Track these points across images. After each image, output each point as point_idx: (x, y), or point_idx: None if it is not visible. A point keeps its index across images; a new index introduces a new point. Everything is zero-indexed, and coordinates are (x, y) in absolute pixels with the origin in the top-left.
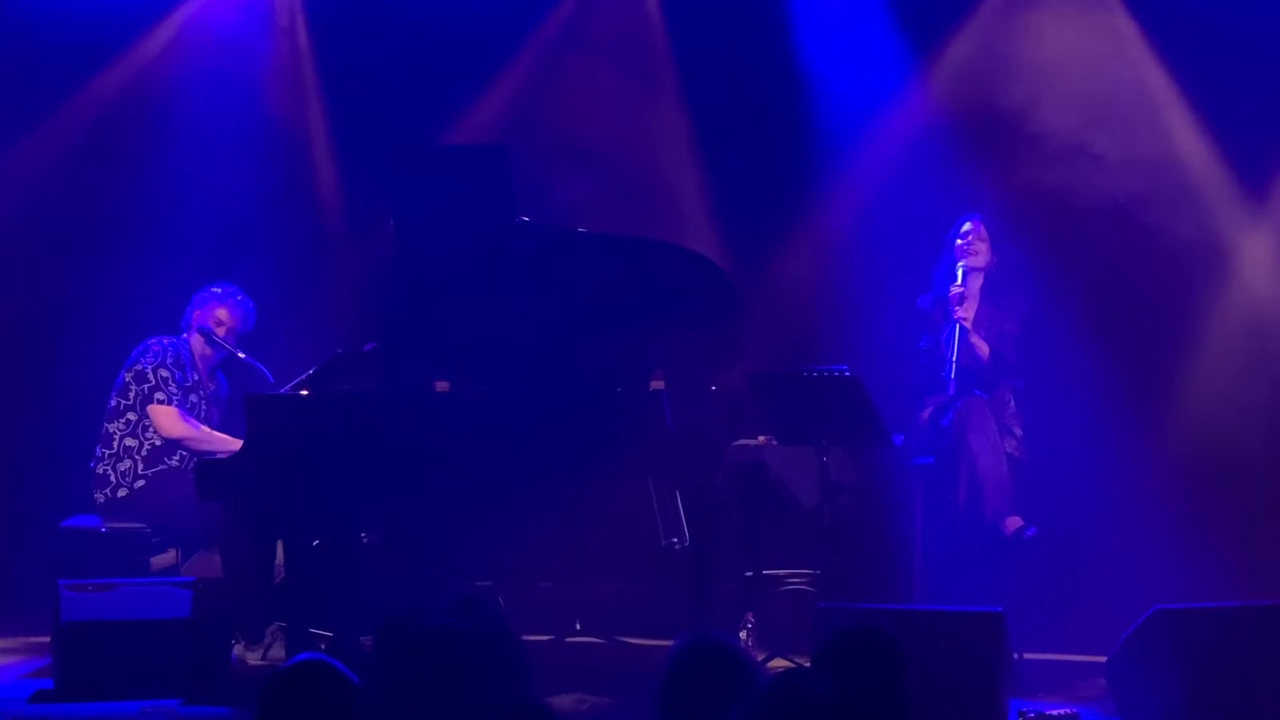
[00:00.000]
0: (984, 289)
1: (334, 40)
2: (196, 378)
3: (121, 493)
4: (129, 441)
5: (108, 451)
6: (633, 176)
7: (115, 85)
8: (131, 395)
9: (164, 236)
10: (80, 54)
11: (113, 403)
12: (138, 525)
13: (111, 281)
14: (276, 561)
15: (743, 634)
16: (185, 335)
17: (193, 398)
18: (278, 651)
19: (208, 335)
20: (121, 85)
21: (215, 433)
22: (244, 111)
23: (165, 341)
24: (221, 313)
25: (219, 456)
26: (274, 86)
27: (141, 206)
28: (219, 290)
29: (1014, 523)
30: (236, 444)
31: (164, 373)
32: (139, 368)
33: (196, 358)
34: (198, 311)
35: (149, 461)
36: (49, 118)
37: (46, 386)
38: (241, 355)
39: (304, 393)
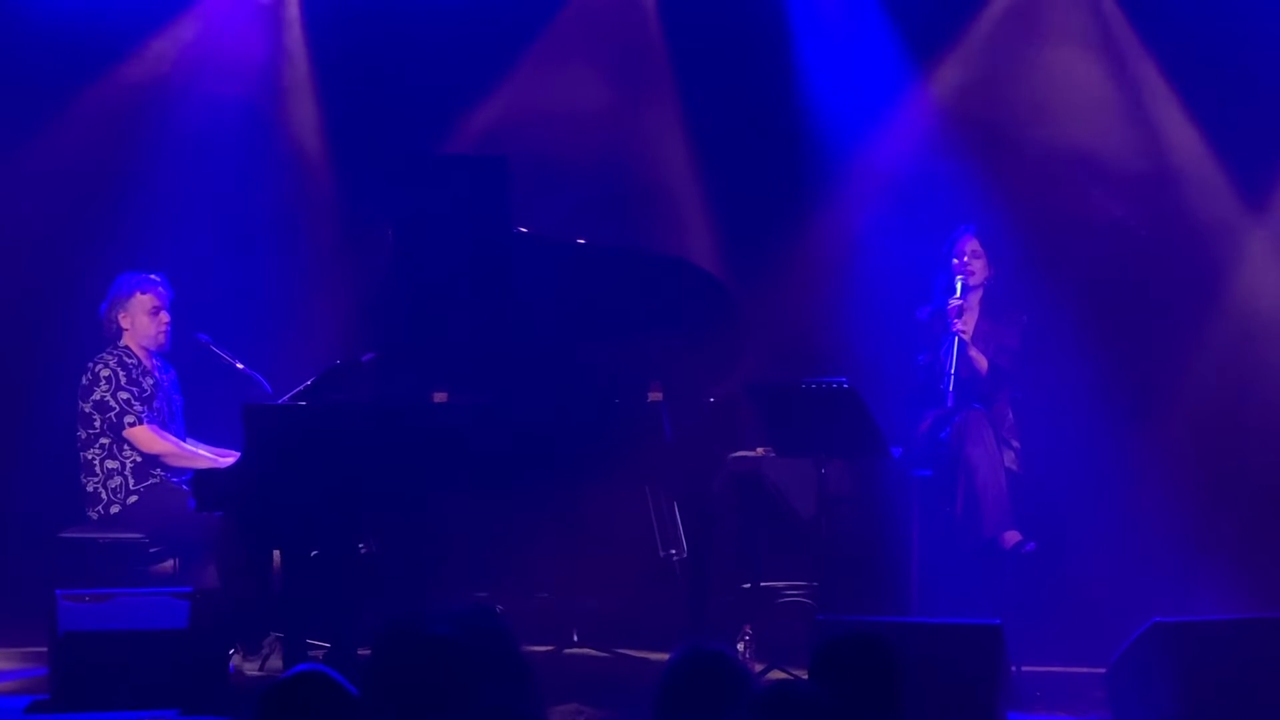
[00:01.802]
0: (983, 302)
1: (333, 50)
2: (151, 382)
3: (114, 509)
4: (110, 464)
5: (92, 478)
6: (632, 188)
7: (112, 95)
8: (98, 424)
9: (163, 246)
10: (76, 63)
11: (80, 434)
12: (136, 535)
13: (108, 290)
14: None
15: (740, 646)
16: (123, 342)
17: (155, 404)
18: (275, 662)
19: (207, 345)
20: (119, 94)
21: (191, 448)
22: (242, 121)
23: (112, 363)
24: (153, 301)
25: (201, 469)
26: (272, 96)
27: (139, 216)
28: (125, 284)
29: (1012, 537)
30: (216, 459)
31: (123, 395)
32: (96, 397)
33: (143, 359)
34: (142, 317)
35: (138, 476)
36: (46, 128)
37: (46, 395)
38: (240, 366)
39: (302, 403)
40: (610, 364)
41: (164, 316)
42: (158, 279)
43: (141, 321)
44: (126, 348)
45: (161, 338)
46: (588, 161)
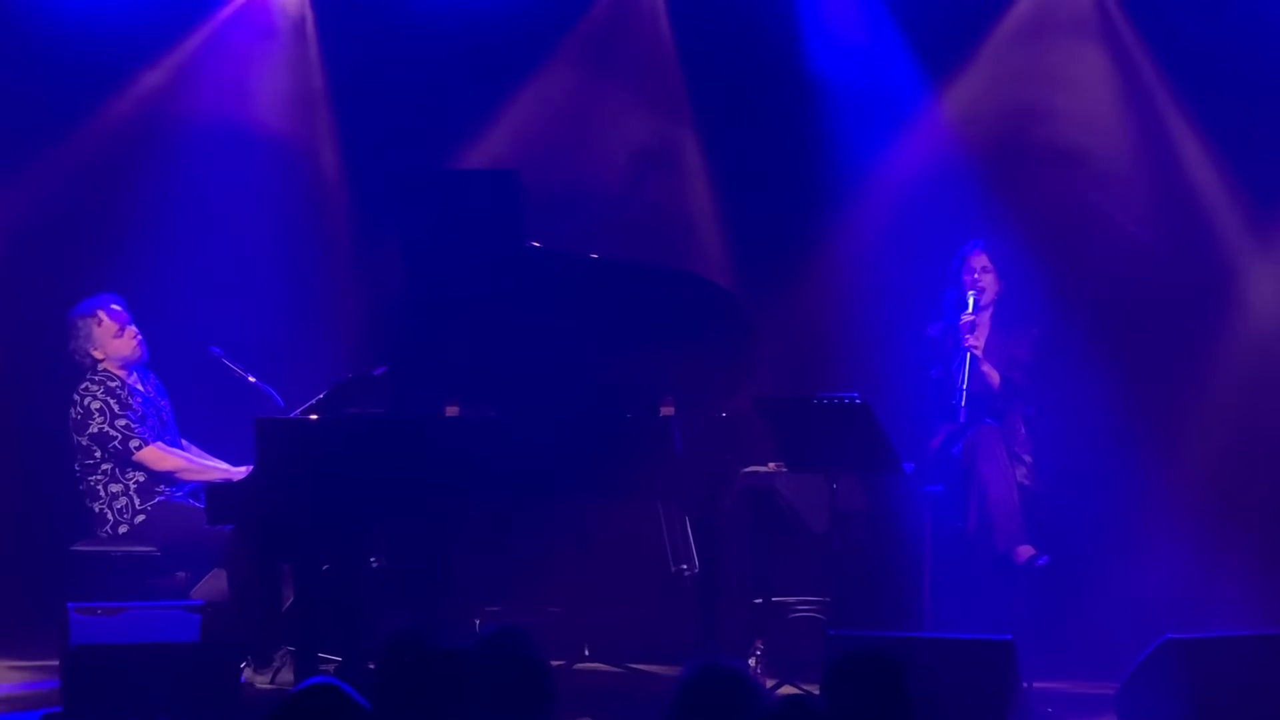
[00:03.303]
0: (994, 317)
1: (346, 64)
2: (139, 399)
3: (123, 529)
4: (114, 487)
5: (97, 501)
6: (644, 202)
7: (126, 109)
8: (99, 454)
9: (175, 259)
10: (90, 77)
11: (78, 465)
12: (147, 548)
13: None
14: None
15: (752, 661)
16: (101, 366)
17: (150, 421)
18: (286, 675)
19: (220, 358)
20: (133, 109)
21: (200, 460)
22: (255, 136)
23: (99, 393)
24: (114, 324)
25: (215, 481)
26: (285, 110)
27: (153, 231)
28: (80, 316)
29: (1025, 551)
30: (229, 469)
31: (121, 422)
32: (93, 431)
33: (124, 377)
34: (112, 342)
35: (143, 495)
36: (59, 142)
37: (59, 408)
38: (252, 379)
39: (314, 417)
40: (622, 378)
41: (131, 330)
42: (108, 298)
43: (113, 346)
44: (106, 371)
45: (139, 350)
46: (600, 176)
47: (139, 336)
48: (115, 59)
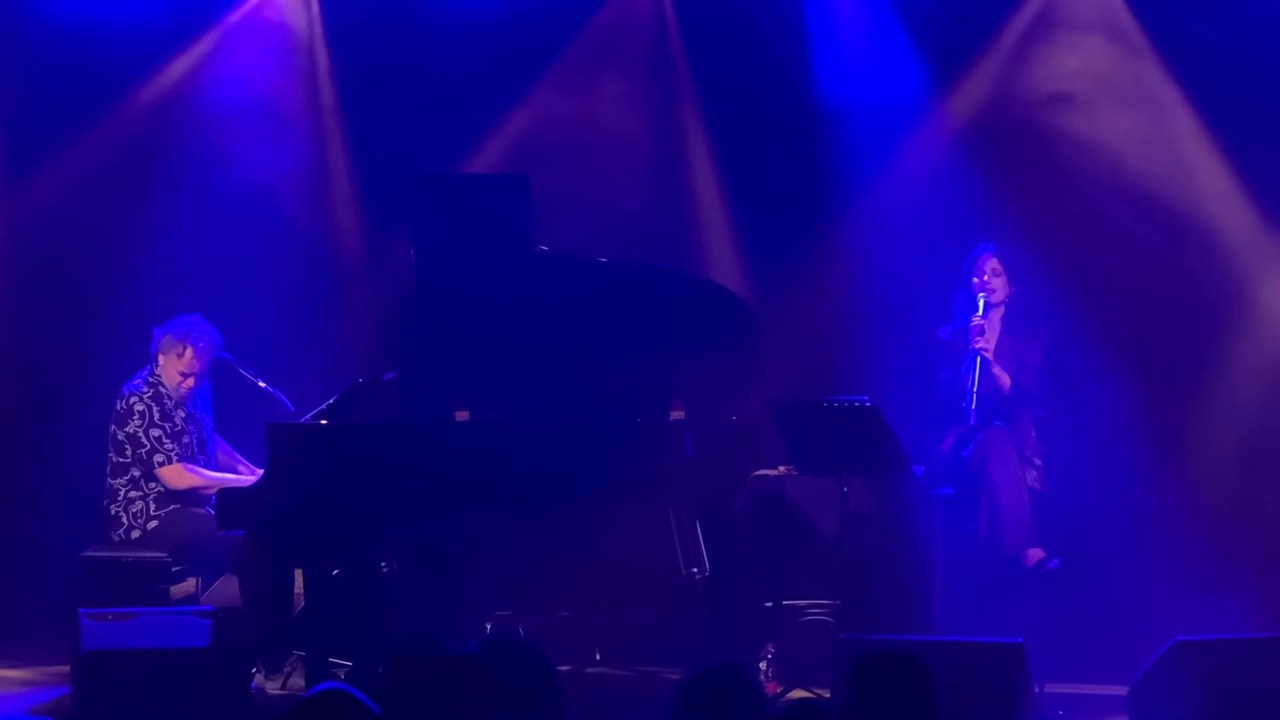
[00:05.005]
0: (1004, 319)
1: (354, 69)
2: (183, 414)
3: (135, 534)
4: (133, 492)
5: (114, 503)
6: (653, 206)
7: (136, 115)
8: (129, 454)
9: (185, 266)
10: (101, 83)
11: (112, 460)
12: (158, 554)
13: (134, 311)
14: (296, 590)
15: (762, 664)
16: (154, 368)
17: (185, 439)
18: (297, 681)
19: (230, 364)
20: (142, 116)
21: (223, 475)
22: (264, 140)
23: (146, 397)
24: (187, 366)
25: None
26: (294, 115)
27: (163, 236)
28: (179, 331)
29: (1035, 554)
30: (242, 481)
31: (155, 432)
32: (130, 430)
33: (174, 389)
34: (172, 370)
35: (160, 502)
36: (69, 146)
37: (70, 414)
38: (262, 384)
39: (324, 422)
40: (632, 382)
41: (190, 382)
42: (207, 343)
43: (170, 374)
44: (160, 378)
45: (183, 391)
46: (609, 180)
47: (191, 388)
48: (123, 65)
